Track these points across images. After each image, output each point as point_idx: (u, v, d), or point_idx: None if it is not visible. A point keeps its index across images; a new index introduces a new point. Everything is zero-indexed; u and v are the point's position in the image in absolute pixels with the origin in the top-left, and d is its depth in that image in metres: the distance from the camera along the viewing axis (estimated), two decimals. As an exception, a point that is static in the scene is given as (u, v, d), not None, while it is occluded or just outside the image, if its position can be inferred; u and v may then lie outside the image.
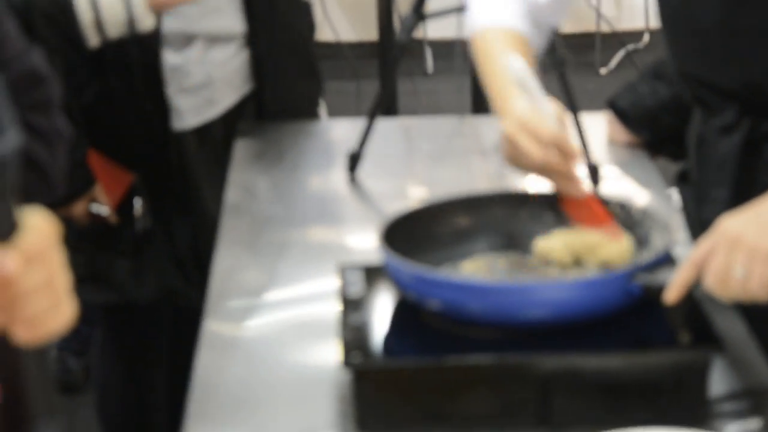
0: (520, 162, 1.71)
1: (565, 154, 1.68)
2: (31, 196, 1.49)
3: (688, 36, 1.79)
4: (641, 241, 1.73)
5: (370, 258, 1.71)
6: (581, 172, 1.72)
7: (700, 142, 1.90)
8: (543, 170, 1.70)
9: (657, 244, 1.70)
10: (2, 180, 1.01)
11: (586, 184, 1.72)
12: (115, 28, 1.95)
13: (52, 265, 1.06)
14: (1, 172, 1.01)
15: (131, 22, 1.95)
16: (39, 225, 1.06)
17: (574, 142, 1.71)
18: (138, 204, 2.50)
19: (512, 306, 1.61)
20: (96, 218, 2.43)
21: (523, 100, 1.72)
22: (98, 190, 2.42)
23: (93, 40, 1.96)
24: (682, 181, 2.01)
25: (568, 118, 1.74)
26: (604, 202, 1.75)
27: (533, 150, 1.66)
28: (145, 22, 1.96)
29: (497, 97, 1.80)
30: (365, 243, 1.72)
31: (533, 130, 1.67)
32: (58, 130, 1.59)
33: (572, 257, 1.71)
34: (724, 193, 1.82)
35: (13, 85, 1.50)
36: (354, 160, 2.25)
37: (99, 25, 1.95)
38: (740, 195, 1.59)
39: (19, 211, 1.04)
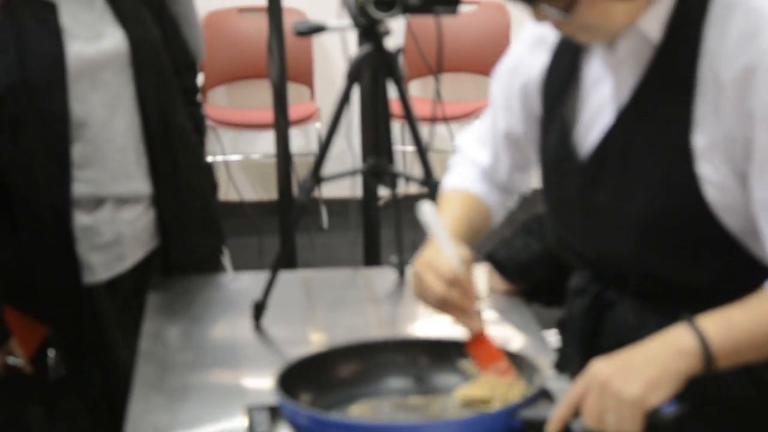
0: (425, 297, 1.73)
1: (465, 291, 1.71)
2: None
3: (556, 206, 1.84)
4: (525, 375, 1.74)
5: (274, 399, 1.70)
6: (480, 310, 1.74)
7: (570, 300, 1.95)
8: (444, 305, 1.72)
9: (531, 379, 1.71)
10: None
11: (483, 322, 1.74)
12: None
13: None
14: None
15: None
16: None
17: (476, 282, 1.74)
18: (52, 354, 2.47)
19: None
20: (11, 369, 2.39)
21: (433, 243, 1.76)
22: (13, 344, 2.38)
23: None
24: (561, 327, 2.05)
25: (473, 261, 1.77)
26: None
27: (436, 285, 1.70)
28: None
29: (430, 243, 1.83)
30: (269, 384, 1.73)
31: (437, 268, 1.71)
32: None
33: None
34: (572, 349, 1.87)
35: None
36: (258, 309, 2.26)
37: None
38: (585, 355, 1.62)
39: None
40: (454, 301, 1.71)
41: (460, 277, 1.71)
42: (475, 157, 1.96)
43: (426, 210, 1.77)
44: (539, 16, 1.62)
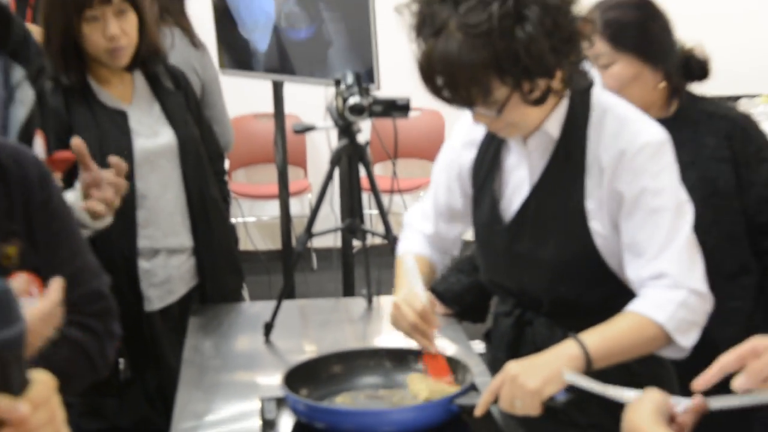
0: (400, 324, 1.73)
1: (427, 321, 1.70)
2: (79, 378, 1.46)
3: (487, 256, 1.84)
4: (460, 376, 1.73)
5: (280, 392, 1.70)
6: (437, 336, 1.73)
7: (494, 319, 1.94)
8: (412, 330, 1.71)
9: (462, 378, 1.72)
10: (18, 353, 0.99)
11: (434, 346, 1.73)
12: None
13: (52, 407, 1.02)
14: (18, 347, 1.00)
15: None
16: (43, 380, 1.02)
17: (436, 320, 1.74)
18: (121, 362, 2.44)
19: (372, 425, 1.61)
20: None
21: (410, 284, 1.76)
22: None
23: None
24: (486, 337, 2.05)
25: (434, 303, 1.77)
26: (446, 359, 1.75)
27: (410, 315, 1.69)
28: (93, 224, 1.87)
29: (398, 286, 1.84)
30: (276, 382, 1.72)
31: (410, 303, 1.70)
32: (111, 332, 1.54)
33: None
34: (502, 354, 1.85)
35: (82, 299, 1.46)
36: (268, 328, 2.24)
37: None
38: (511, 358, 1.62)
39: (28, 372, 1.00)
40: (421, 327, 1.70)
41: (426, 311, 1.70)
42: (421, 228, 1.95)
43: (410, 263, 1.79)
44: (476, 117, 1.64)
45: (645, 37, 2.04)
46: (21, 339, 1.00)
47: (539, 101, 1.59)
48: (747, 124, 2.13)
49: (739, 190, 2.06)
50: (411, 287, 1.75)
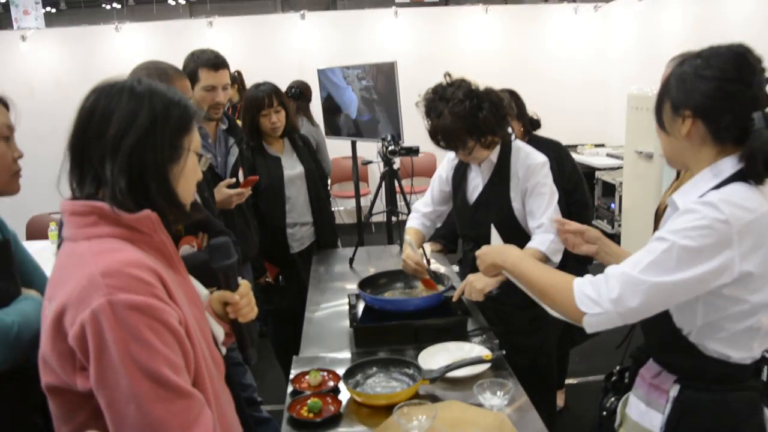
0: (406, 268, 1.72)
1: (420, 265, 1.69)
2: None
3: (461, 220, 1.81)
4: (440, 282, 1.73)
5: (358, 291, 1.70)
6: (428, 273, 1.72)
7: (463, 253, 1.93)
8: (413, 271, 1.70)
9: (446, 283, 1.70)
10: (234, 270, 1.02)
11: (427, 274, 1.71)
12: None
13: (250, 297, 1.06)
14: (235, 268, 1.01)
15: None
16: (245, 283, 1.06)
17: (425, 263, 1.71)
18: (281, 277, 2.47)
19: (402, 306, 1.61)
20: (266, 282, 2.39)
21: (408, 249, 1.74)
22: (267, 274, 2.38)
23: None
24: (459, 263, 2.04)
25: (424, 254, 1.75)
26: (432, 278, 1.73)
27: (410, 263, 1.69)
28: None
29: (404, 248, 1.80)
30: (355, 286, 1.72)
31: (410, 257, 1.70)
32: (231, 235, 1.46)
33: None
34: (468, 270, 1.83)
35: (212, 229, 1.45)
36: (351, 261, 2.26)
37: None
38: (471, 272, 1.61)
39: (238, 279, 1.04)
40: (417, 268, 1.69)
41: (419, 261, 1.69)
42: (423, 210, 1.91)
43: (407, 237, 1.77)
44: (458, 155, 1.64)
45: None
46: (236, 264, 1.04)
47: (490, 147, 1.61)
48: (560, 145, 2.19)
49: (561, 178, 2.06)
50: (410, 249, 1.74)
